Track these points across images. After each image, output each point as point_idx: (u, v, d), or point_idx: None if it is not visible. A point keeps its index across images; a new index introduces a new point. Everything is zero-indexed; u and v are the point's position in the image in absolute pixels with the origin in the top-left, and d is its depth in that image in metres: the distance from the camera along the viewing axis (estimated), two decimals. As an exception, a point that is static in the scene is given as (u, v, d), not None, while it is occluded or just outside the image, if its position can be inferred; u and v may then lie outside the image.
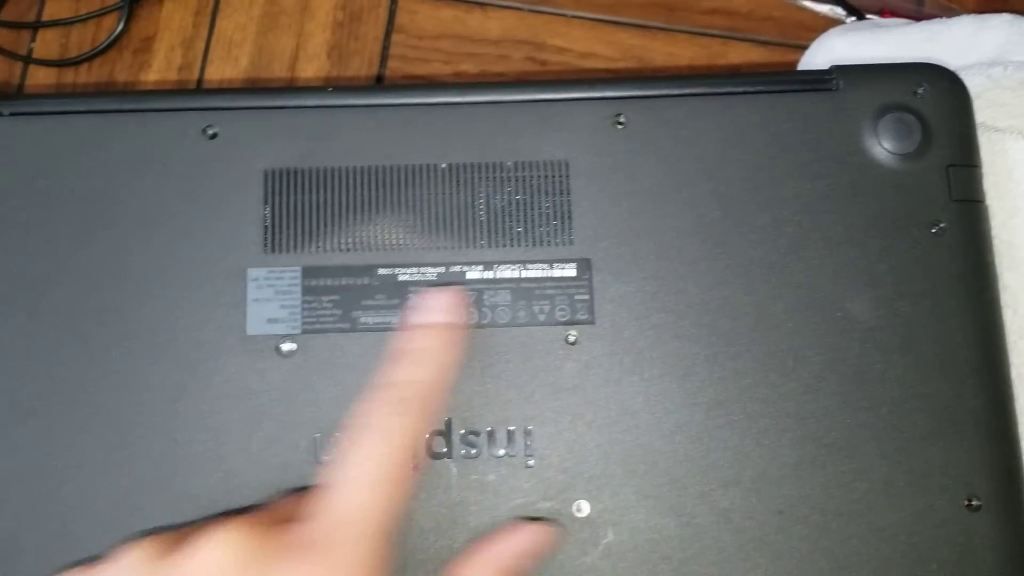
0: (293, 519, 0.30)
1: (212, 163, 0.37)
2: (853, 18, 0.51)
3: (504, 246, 0.37)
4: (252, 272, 0.36)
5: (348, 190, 0.37)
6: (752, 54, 0.58)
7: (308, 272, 0.37)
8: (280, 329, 0.36)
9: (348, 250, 0.37)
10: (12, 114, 0.38)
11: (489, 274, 0.37)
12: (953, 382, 0.35)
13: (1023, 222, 0.39)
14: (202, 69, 0.57)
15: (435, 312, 0.34)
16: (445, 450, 0.35)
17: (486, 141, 0.37)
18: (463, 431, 0.35)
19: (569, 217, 0.37)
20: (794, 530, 0.34)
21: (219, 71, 0.57)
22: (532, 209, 0.37)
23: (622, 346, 0.36)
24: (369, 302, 0.36)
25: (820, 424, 0.35)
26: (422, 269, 0.37)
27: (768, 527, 0.34)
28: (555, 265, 0.36)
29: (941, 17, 0.44)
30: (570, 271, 0.36)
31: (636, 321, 0.36)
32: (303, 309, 0.36)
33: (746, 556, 0.34)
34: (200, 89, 0.47)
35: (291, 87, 0.46)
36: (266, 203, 0.37)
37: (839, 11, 0.51)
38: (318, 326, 0.36)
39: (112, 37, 0.57)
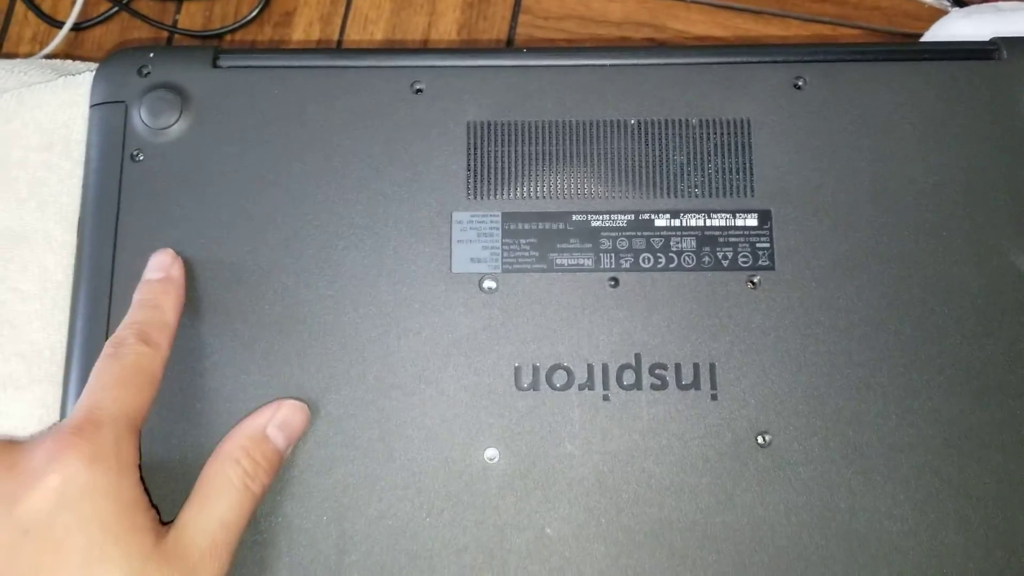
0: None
1: (419, 116, 0.41)
2: (957, 8, 0.53)
3: (690, 197, 0.40)
4: (457, 216, 0.40)
5: (545, 142, 0.40)
6: (860, 41, 0.61)
7: (508, 217, 0.40)
8: (482, 268, 0.39)
9: (545, 198, 0.40)
10: (231, 67, 0.42)
11: (676, 222, 0.39)
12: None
13: None
14: (339, 43, 0.60)
15: (158, 270, 0.38)
16: (634, 381, 0.38)
17: (673, 100, 0.40)
18: (651, 364, 0.38)
19: (751, 171, 0.40)
20: (963, 461, 0.37)
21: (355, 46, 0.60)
22: (716, 163, 0.40)
23: (801, 291, 0.38)
24: (564, 245, 0.39)
25: (985, 366, 0.38)
26: (613, 216, 0.40)
27: (936, 461, 0.37)
28: (738, 215, 0.39)
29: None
30: (752, 221, 0.39)
31: (814, 268, 0.39)
32: (503, 250, 0.39)
33: (914, 485, 0.37)
34: (408, 48, 0.50)
35: (492, 48, 0.49)
36: (469, 153, 0.40)
37: (945, 2, 0.53)
38: (517, 266, 0.39)
39: (255, 11, 0.60)
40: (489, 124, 0.40)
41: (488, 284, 0.39)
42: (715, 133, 0.40)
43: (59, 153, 0.41)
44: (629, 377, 0.38)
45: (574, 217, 0.40)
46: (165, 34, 0.61)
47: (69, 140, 0.41)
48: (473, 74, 0.41)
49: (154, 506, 0.33)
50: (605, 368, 0.38)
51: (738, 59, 0.41)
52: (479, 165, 0.40)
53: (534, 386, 0.38)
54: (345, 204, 0.40)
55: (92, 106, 0.41)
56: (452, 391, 0.38)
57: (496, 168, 0.40)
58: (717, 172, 0.40)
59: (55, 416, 0.39)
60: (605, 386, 0.38)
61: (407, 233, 0.39)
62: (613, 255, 0.39)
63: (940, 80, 0.40)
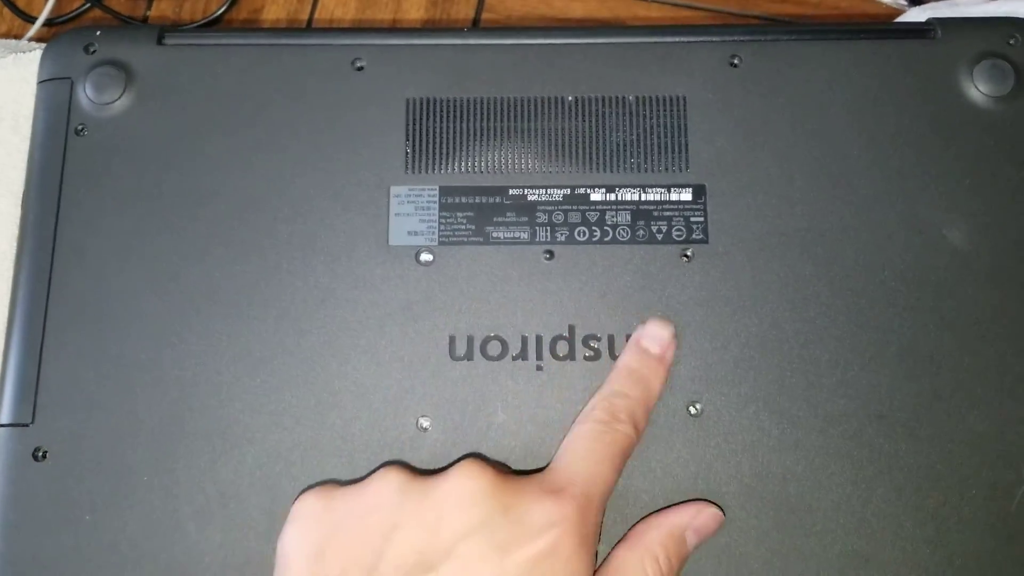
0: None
1: (359, 93, 0.41)
2: (915, 8, 0.53)
3: (625, 172, 0.40)
4: (395, 190, 0.40)
5: (483, 119, 0.41)
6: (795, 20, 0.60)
7: (445, 191, 0.40)
8: (419, 241, 0.40)
9: (482, 172, 0.40)
10: (176, 44, 0.42)
11: (611, 196, 0.40)
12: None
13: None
14: None
15: (657, 344, 0.37)
16: (567, 352, 0.38)
17: (611, 78, 0.41)
18: (584, 336, 0.38)
19: (686, 147, 0.40)
20: (893, 432, 0.37)
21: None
22: (652, 139, 0.40)
23: (735, 263, 0.39)
24: (500, 219, 0.40)
25: (916, 338, 0.38)
26: (549, 190, 0.40)
27: (866, 431, 0.37)
28: (672, 190, 0.40)
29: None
30: (686, 195, 0.40)
31: (748, 242, 0.39)
32: (440, 223, 0.40)
33: (845, 456, 0.37)
34: (348, 27, 0.50)
35: (431, 27, 0.50)
36: (408, 128, 0.41)
37: (902, 1, 0.53)
38: (454, 239, 0.40)
39: (223, 8, 0.61)
40: (428, 100, 0.41)
41: (425, 256, 0.39)
42: (651, 110, 0.41)
43: (8, 128, 0.42)
44: (563, 348, 0.38)
45: (511, 191, 0.40)
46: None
47: (18, 115, 0.42)
48: (412, 52, 0.42)
49: None
50: (539, 339, 0.38)
51: (675, 38, 0.41)
52: (418, 140, 0.41)
53: (468, 356, 0.38)
54: (285, 178, 0.40)
55: (39, 83, 0.42)
56: (387, 360, 0.38)
57: (434, 143, 0.41)
58: (653, 148, 0.40)
59: (-7, 384, 0.39)
60: (539, 356, 0.38)
61: (346, 207, 0.40)
62: (549, 228, 0.39)
63: (875, 58, 0.41)
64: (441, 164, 0.40)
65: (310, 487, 0.35)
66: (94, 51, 0.42)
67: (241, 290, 0.39)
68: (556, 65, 0.41)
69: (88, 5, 0.60)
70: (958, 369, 0.37)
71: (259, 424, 0.37)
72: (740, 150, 0.40)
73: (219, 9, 0.60)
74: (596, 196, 0.40)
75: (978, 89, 0.40)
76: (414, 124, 0.41)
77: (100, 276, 0.39)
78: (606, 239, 0.39)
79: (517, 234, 0.39)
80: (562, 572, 0.31)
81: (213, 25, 0.58)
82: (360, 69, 0.41)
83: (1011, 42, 0.41)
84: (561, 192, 0.40)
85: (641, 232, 0.39)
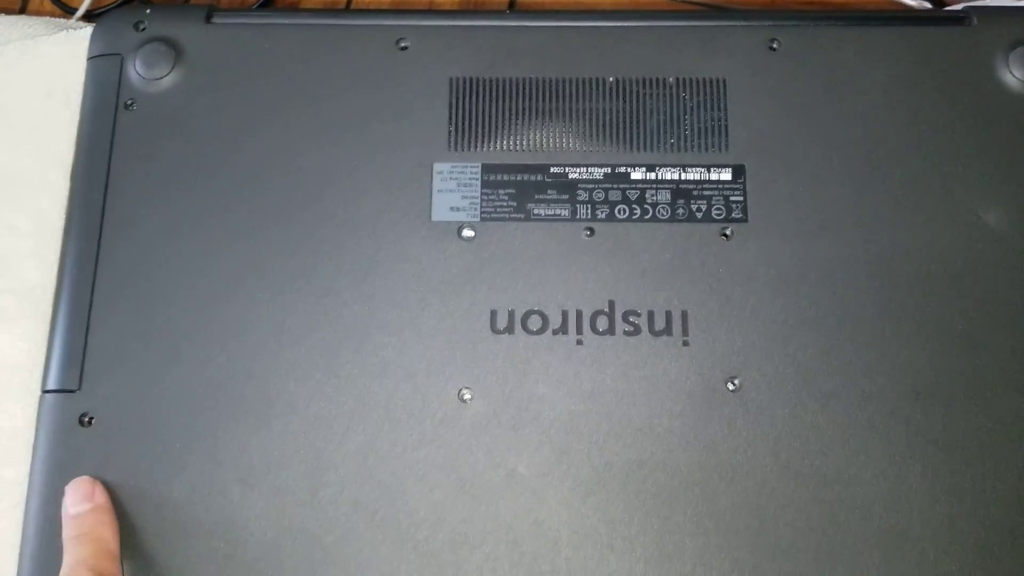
0: None
1: (403, 72, 0.42)
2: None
3: (665, 151, 0.41)
4: (437, 166, 0.41)
5: (525, 98, 0.41)
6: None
7: (487, 168, 0.41)
8: (461, 217, 0.40)
9: (524, 151, 0.41)
10: (224, 23, 0.43)
11: (652, 175, 0.40)
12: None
13: None
14: (348, 5, 0.60)
15: (82, 502, 0.36)
16: (607, 327, 0.39)
17: (651, 60, 0.42)
18: (624, 311, 0.39)
19: (726, 128, 0.41)
20: (930, 409, 0.37)
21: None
22: (692, 120, 0.41)
23: (773, 242, 0.39)
24: (542, 196, 0.40)
25: (952, 318, 0.38)
26: (590, 169, 0.41)
27: (903, 409, 0.37)
28: (712, 169, 0.40)
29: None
30: (726, 175, 0.40)
31: (786, 222, 0.40)
32: (482, 200, 0.40)
33: (882, 432, 0.37)
34: (394, 8, 0.51)
35: (474, 8, 0.50)
36: (451, 107, 0.41)
37: (925, 2, 0.54)
38: (495, 215, 0.40)
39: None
40: (471, 80, 0.42)
41: (467, 232, 0.40)
42: (691, 91, 0.41)
43: (59, 102, 0.43)
44: (603, 323, 0.39)
45: (552, 169, 0.41)
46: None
47: (68, 90, 0.43)
48: (456, 33, 0.42)
49: None
50: (579, 314, 0.39)
51: (715, 22, 0.42)
52: (460, 119, 0.41)
53: (509, 330, 0.38)
54: (330, 155, 0.41)
55: (90, 58, 0.43)
56: (429, 333, 0.39)
57: (477, 122, 0.41)
58: (693, 129, 0.41)
59: (41, 351, 0.40)
60: (579, 331, 0.38)
61: (389, 183, 0.40)
62: (589, 206, 0.40)
63: (911, 44, 0.42)
64: (483, 142, 0.41)
65: None
66: (144, 28, 0.43)
67: (286, 263, 0.39)
68: (597, 47, 0.42)
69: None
70: (993, 348, 0.38)
71: (302, 393, 0.38)
72: (779, 132, 0.40)
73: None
74: (636, 175, 0.40)
75: (1013, 75, 0.41)
76: (457, 103, 0.41)
77: (147, 247, 0.39)
78: (646, 217, 0.40)
79: (558, 211, 0.40)
80: None
81: (261, 6, 0.59)
82: (404, 49, 0.42)
83: (1046, 30, 0.41)
84: (602, 171, 0.41)
85: (681, 210, 0.40)
